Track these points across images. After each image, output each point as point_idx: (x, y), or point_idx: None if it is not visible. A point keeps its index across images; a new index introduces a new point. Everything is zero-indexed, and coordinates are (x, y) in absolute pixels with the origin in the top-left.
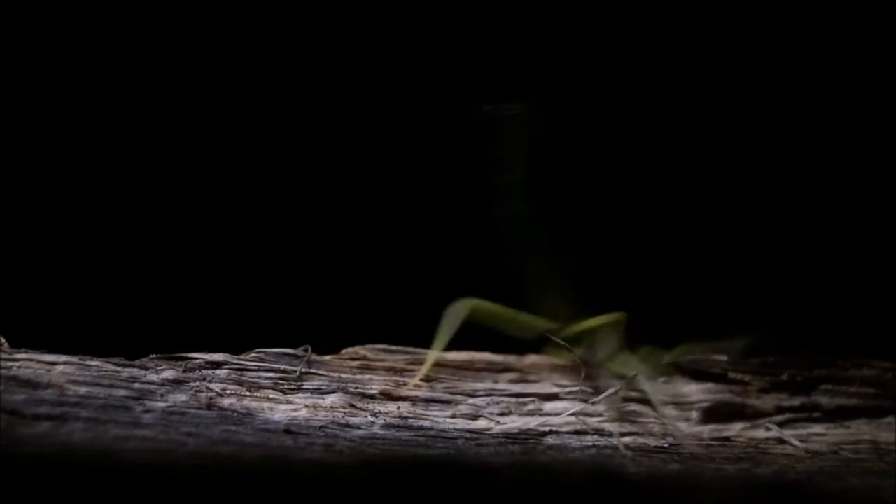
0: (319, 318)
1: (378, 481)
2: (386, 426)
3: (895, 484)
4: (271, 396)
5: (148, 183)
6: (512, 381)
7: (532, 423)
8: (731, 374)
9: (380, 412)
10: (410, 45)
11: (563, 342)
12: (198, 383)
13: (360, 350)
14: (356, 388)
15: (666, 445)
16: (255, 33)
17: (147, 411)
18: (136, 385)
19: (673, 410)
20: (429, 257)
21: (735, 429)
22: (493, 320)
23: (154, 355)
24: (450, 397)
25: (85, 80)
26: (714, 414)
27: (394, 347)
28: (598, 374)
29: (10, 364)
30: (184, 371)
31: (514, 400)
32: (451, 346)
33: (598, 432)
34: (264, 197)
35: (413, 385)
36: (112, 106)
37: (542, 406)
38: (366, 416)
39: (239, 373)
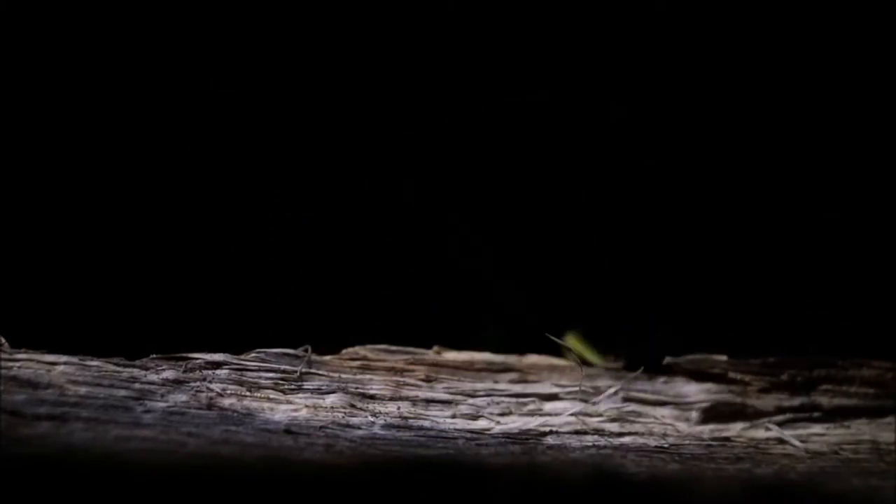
0: (319, 318)
1: (378, 481)
2: (386, 426)
3: (895, 484)
4: (271, 396)
5: (148, 183)
6: (512, 382)
7: (532, 423)
8: (731, 374)
9: (380, 412)
10: (414, 48)
11: (563, 342)
12: (198, 383)
13: (361, 350)
14: (356, 388)
15: (666, 445)
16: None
17: (147, 411)
18: (137, 385)
19: (672, 410)
20: (429, 257)
21: (735, 429)
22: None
23: (154, 355)
24: (450, 397)
25: (86, 80)
26: (714, 414)
27: (394, 347)
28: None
29: (10, 364)
30: (184, 371)
31: (514, 400)
32: (451, 346)
33: (598, 432)
34: (264, 197)
35: None
36: (112, 106)
37: (542, 406)
38: (366, 416)
39: (239, 373)
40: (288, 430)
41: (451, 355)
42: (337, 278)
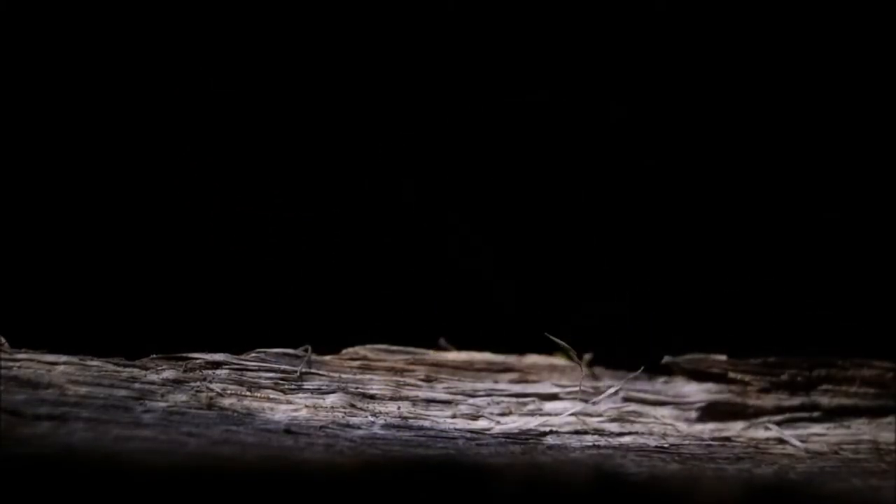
0: (319, 318)
1: (378, 481)
2: (386, 426)
3: (895, 484)
4: (272, 396)
5: (148, 183)
6: (512, 381)
7: (532, 423)
8: (731, 374)
9: (380, 412)
10: (414, 48)
11: (562, 342)
12: (198, 383)
13: (361, 350)
14: (356, 388)
15: (666, 445)
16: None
17: (147, 411)
18: (137, 385)
19: (672, 410)
20: (429, 257)
21: (735, 429)
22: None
23: (154, 355)
24: (450, 397)
25: (85, 79)
26: (714, 414)
27: (394, 347)
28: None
29: (10, 364)
30: (184, 371)
31: (514, 400)
32: (451, 346)
33: (598, 432)
34: (264, 197)
35: None
36: (111, 106)
37: (543, 406)
38: (366, 416)
39: (239, 373)
40: (288, 430)
41: (451, 355)
42: (337, 278)
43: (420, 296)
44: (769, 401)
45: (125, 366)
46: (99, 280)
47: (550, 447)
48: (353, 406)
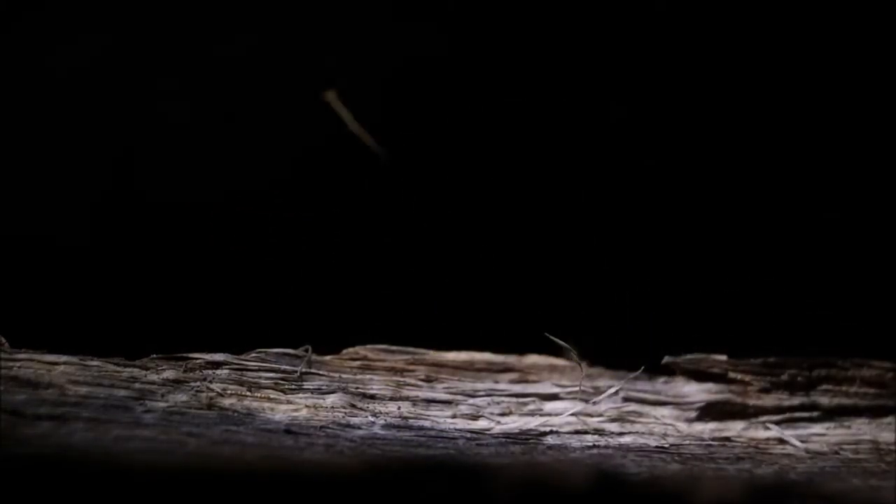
0: (319, 318)
1: (378, 481)
2: (386, 426)
3: (895, 484)
4: (272, 396)
5: (147, 183)
6: (512, 381)
7: (532, 423)
8: (731, 374)
9: (380, 412)
10: (414, 48)
11: (563, 342)
12: (198, 383)
13: (361, 350)
14: (357, 388)
15: (666, 445)
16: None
17: (148, 411)
18: (137, 385)
19: (672, 410)
20: (428, 257)
21: (735, 429)
22: None
23: (154, 355)
24: (450, 397)
25: (86, 76)
26: (714, 414)
27: (394, 347)
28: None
29: (10, 364)
30: (184, 371)
31: (514, 400)
32: (451, 346)
33: (599, 432)
34: (264, 197)
35: None
36: (111, 105)
37: (543, 406)
38: (366, 416)
39: (239, 373)
40: (288, 430)
41: (451, 355)
42: (337, 278)
43: (420, 296)
44: (769, 401)
45: (125, 366)
46: (99, 280)
47: (550, 447)
48: (353, 406)
